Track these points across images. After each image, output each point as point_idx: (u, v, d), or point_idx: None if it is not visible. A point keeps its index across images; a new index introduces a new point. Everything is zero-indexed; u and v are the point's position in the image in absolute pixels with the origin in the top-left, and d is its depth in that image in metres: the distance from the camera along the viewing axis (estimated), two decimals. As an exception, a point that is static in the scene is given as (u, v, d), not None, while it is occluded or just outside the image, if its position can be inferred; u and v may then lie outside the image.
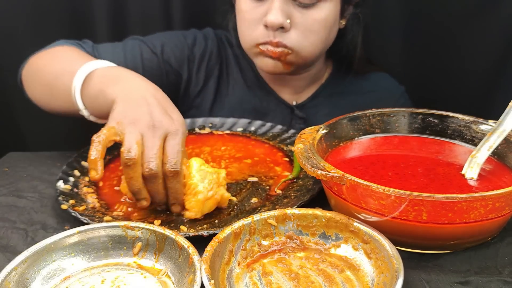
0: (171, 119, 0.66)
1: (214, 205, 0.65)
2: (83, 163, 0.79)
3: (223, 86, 1.01)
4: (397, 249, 0.51)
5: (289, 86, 1.00)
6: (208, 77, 1.00)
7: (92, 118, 0.77)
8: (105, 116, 0.71)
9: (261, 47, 0.86)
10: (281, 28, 0.83)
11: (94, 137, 0.63)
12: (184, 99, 1.01)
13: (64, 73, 0.78)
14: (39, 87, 0.84)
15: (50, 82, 0.81)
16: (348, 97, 0.99)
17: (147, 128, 0.64)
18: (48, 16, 1.15)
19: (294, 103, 1.01)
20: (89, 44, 0.93)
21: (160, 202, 0.65)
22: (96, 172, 0.61)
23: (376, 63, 1.06)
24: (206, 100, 1.01)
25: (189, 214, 0.63)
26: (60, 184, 0.71)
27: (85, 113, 0.76)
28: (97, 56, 0.90)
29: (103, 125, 0.68)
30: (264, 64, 0.89)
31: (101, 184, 0.74)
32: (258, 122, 0.93)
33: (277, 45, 0.84)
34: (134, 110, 0.66)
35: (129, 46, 0.95)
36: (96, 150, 0.62)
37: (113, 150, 0.84)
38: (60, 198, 0.67)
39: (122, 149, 0.62)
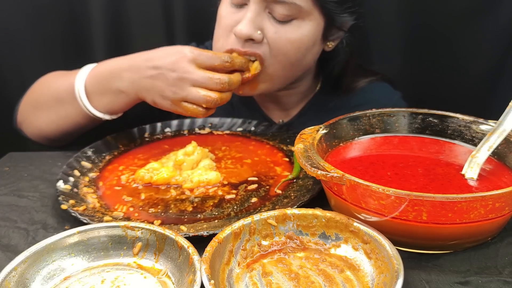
0: (173, 55, 0.75)
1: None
2: (83, 163, 0.79)
3: None
4: (397, 249, 0.51)
5: (278, 103, 0.97)
6: None
7: (107, 117, 0.83)
8: (121, 108, 0.81)
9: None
10: (251, 40, 0.79)
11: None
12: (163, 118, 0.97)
13: (62, 92, 0.83)
14: (44, 115, 0.87)
15: (53, 104, 0.85)
16: (336, 112, 0.85)
17: (182, 80, 0.74)
18: (47, 17, 1.15)
19: (281, 121, 0.99)
20: None
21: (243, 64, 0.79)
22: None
23: (372, 72, 1.01)
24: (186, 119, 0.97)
25: None
26: (60, 184, 0.71)
27: (101, 115, 0.82)
28: None
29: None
30: None
31: (101, 184, 0.75)
32: (257, 122, 0.93)
33: (245, 54, 0.80)
34: (161, 85, 0.75)
35: None
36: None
37: (113, 150, 0.84)
38: (60, 198, 0.67)
39: (203, 106, 0.75)
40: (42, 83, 0.91)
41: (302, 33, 0.80)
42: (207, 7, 0.90)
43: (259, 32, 0.79)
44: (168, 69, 0.74)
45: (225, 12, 0.83)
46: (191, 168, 0.76)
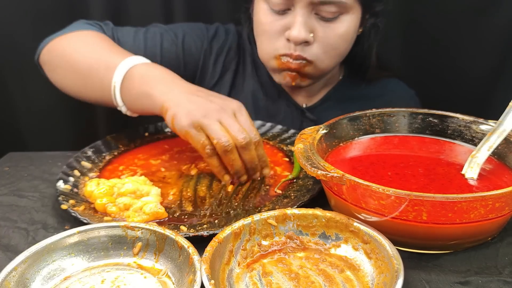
0: (227, 99, 0.74)
1: None
2: (83, 163, 0.79)
3: (238, 81, 1.02)
4: (397, 249, 0.51)
5: (303, 89, 0.99)
6: (225, 71, 1.01)
7: (128, 113, 0.82)
8: (143, 112, 0.79)
9: (281, 58, 0.86)
10: (304, 42, 0.84)
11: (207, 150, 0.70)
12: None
13: (100, 65, 0.80)
14: (69, 75, 0.85)
15: (83, 72, 0.83)
16: (358, 101, 0.98)
17: (218, 112, 0.70)
18: (48, 17, 1.15)
19: (305, 106, 1.01)
20: (109, 27, 0.94)
21: (256, 168, 0.73)
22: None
23: (389, 68, 1.06)
24: (221, 93, 1.01)
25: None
26: (60, 184, 0.71)
27: (123, 109, 0.81)
28: (115, 40, 0.92)
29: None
30: (282, 77, 0.90)
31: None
32: (258, 122, 0.93)
33: (297, 58, 0.85)
34: (196, 106, 0.70)
35: (150, 34, 0.96)
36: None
37: (113, 150, 0.84)
38: (60, 198, 0.67)
39: (213, 141, 0.69)
40: (80, 40, 0.86)
41: (348, 26, 0.85)
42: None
43: (311, 35, 0.83)
44: (213, 96, 0.74)
45: (268, 20, 0.86)
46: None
